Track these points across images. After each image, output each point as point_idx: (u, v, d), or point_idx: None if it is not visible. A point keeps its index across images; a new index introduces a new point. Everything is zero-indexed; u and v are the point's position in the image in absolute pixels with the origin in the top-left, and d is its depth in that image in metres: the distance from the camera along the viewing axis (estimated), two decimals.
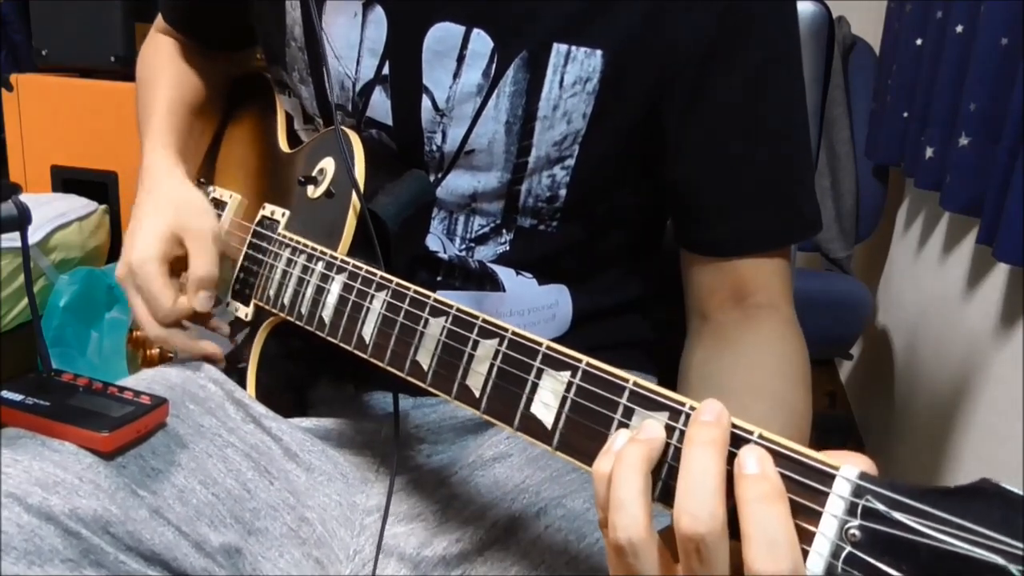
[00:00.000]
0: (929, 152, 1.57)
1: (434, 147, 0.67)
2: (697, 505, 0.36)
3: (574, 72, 0.63)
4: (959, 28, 1.50)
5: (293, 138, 0.78)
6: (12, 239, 0.66)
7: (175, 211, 0.69)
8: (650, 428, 0.40)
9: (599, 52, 0.62)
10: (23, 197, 0.72)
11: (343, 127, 0.67)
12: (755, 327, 0.65)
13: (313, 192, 0.68)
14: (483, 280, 0.70)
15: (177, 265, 0.69)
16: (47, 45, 1.92)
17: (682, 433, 0.39)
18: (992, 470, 1.30)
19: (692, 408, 0.40)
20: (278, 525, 0.62)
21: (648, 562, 0.38)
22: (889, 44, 2.06)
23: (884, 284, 2.22)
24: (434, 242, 0.69)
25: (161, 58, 0.84)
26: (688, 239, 0.69)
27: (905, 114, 1.83)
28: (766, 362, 0.62)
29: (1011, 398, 1.24)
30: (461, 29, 0.64)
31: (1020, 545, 0.29)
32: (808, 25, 0.85)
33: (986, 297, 1.41)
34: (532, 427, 0.46)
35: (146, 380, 0.65)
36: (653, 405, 0.41)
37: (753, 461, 0.36)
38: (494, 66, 0.64)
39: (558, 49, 0.62)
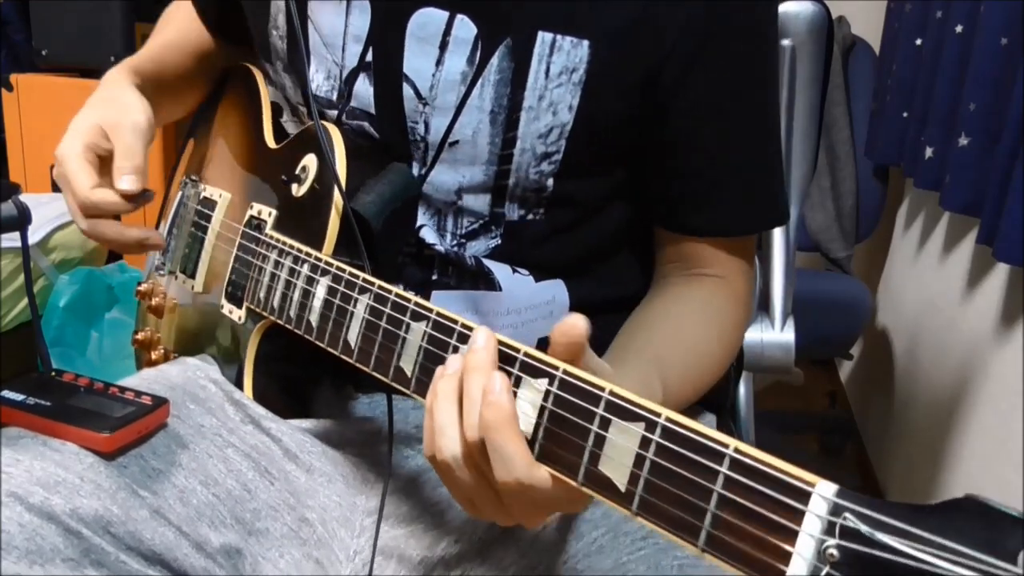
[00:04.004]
0: (929, 152, 1.57)
1: (417, 137, 0.66)
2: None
3: (560, 62, 0.62)
4: (959, 28, 1.50)
5: (280, 131, 0.77)
6: (12, 239, 0.66)
7: (107, 108, 0.69)
8: (454, 363, 0.47)
9: (586, 43, 0.62)
10: (23, 197, 0.72)
11: (323, 122, 0.66)
12: (696, 285, 0.70)
13: (297, 191, 0.68)
14: (478, 278, 0.69)
15: (109, 162, 0.68)
16: (47, 45, 1.92)
17: (657, 445, 0.39)
18: (992, 470, 1.30)
19: (668, 419, 0.39)
20: (278, 526, 0.62)
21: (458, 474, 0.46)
22: (889, 44, 2.06)
23: (884, 284, 2.22)
24: (430, 235, 0.69)
25: (173, 17, 0.86)
26: (657, 219, 0.71)
27: (905, 114, 1.83)
28: (693, 315, 0.68)
29: (1011, 398, 1.25)
30: (444, 14, 0.63)
31: (1003, 565, 0.28)
32: (808, 25, 0.85)
33: (986, 297, 1.41)
34: None
35: (147, 380, 0.65)
36: (628, 415, 0.41)
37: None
38: (478, 53, 0.63)
39: (543, 38, 0.62)
